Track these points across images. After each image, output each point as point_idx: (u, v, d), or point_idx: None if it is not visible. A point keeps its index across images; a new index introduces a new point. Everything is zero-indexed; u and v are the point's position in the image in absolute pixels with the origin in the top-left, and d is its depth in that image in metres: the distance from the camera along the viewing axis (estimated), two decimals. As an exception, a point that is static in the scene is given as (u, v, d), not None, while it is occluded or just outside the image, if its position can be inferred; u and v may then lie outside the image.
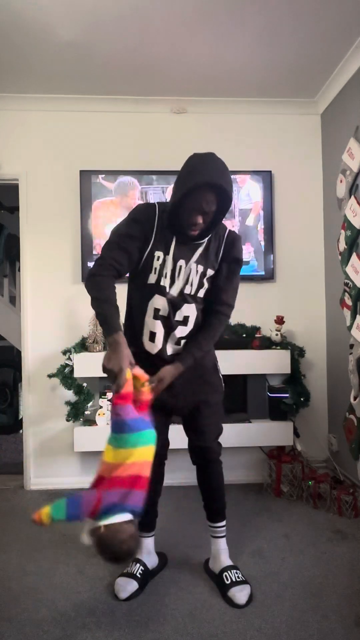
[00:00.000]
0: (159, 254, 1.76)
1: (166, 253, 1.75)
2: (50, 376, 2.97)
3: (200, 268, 1.78)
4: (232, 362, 2.93)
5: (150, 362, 1.78)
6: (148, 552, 2.01)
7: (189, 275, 1.77)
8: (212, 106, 3.23)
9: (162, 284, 1.76)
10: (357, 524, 2.49)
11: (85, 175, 3.12)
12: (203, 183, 1.60)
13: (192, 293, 1.79)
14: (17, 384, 5.00)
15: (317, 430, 3.26)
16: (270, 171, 3.22)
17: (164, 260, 1.76)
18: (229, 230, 1.86)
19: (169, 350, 1.81)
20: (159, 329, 1.79)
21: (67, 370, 2.94)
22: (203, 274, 1.79)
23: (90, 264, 3.11)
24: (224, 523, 1.99)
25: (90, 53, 2.68)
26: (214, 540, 1.99)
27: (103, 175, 3.13)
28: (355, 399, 2.63)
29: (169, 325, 1.79)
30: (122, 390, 1.57)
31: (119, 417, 1.59)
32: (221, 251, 1.81)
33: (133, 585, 1.89)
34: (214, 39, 2.56)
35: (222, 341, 3.00)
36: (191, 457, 1.97)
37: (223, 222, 1.83)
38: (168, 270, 1.75)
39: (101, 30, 2.48)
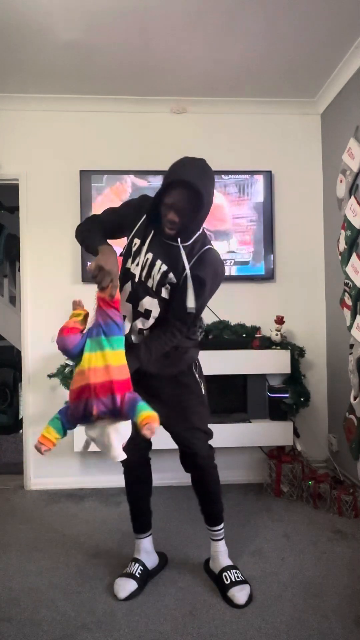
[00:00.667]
0: (137, 241, 1.81)
1: (142, 243, 1.79)
2: (50, 376, 2.97)
3: (164, 267, 1.75)
4: (232, 362, 2.93)
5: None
6: (147, 552, 2.01)
7: (153, 269, 1.77)
8: (212, 106, 3.23)
9: (132, 270, 1.81)
10: (357, 524, 2.49)
11: (85, 175, 3.12)
12: (178, 181, 1.63)
13: (154, 289, 1.78)
14: (17, 384, 5.00)
15: (317, 430, 3.26)
16: (270, 171, 3.22)
17: (139, 249, 1.79)
18: (207, 249, 1.79)
19: (134, 338, 1.80)
20: (127, 312, 1.80)
21: (67, 370, 2.94)
22: (165, 274, 1.76)
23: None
24: (221, 526, 1.98)
25: (90, 53, 2.68)
26: (212, 542, 2.00)
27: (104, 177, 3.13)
28: (355, 399, 2.63)
29: (134, 313, 1.79)
30: (117, 293, 1.60)
31: (112, 319, 1.61)
32: (189, 265, 1.73)
33: (132, 585, 1.89)
34: (214, 39, 2.56)
35: (222, 341, 3.02)
36: (182, 464, 1.95)
37: (211, 238, 1.83)
38: (141, 259, 1.78)
39: (101, 30, 2.48)
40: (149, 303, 1.78)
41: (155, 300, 1.78)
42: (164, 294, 1.78)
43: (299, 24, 2.44)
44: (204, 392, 1.92)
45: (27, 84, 3.01)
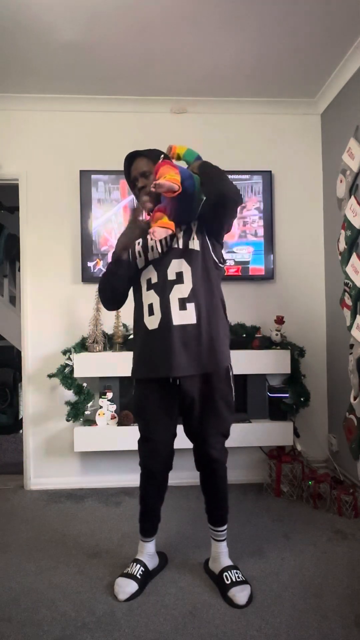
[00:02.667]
0: (137, 241, 1.87)
1: (143, 236, 1.84)
2: (50, 376, 2.97)
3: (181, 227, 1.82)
4: (232, 362, 2.93)
5: (158, 342, 1.75)
6: (149, 555, 2.02)
7: (169, 238, 1.82)
8: (212, 106, 3.23)
9: (141, 256, 1.86)
10: (357, 524, 2.49)
11: (85, 175, 3.12)
12: (127, 159, 1.92)
13: (181, 247, 1.78)
14: (17, 384, 5.01)
15: (317, 430, 3.26)
16: (270, 171, 3.22)
17: (141, 240, 1.85)
18: None
19: (176, 318, 1.73)
20: (153, 298, 1.78)
21: (67, 370, 2.95)
22: (188, 229, 1.82)
23: (91, 264, 3.12)
24: (225, 527, 1.99)
25: (90, 53, 2.68)
26: (214, 542, 2.00)
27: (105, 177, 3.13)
28: (355, 399, 2.63)
29: (164, 289, 1.76)
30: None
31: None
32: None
33: (132, 587, 1.89)
34: (214, 39, 2.56)
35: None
36: (195, 462, 1.95)
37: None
38: (147, 243, 1.86)
39: (101, 30, 2.48)
40: (177, 265, 1.77)
41: (182, 259, 1.77)
42: (196, 245, 1.79)
43: (299, 24, 2.44)
44: (233, 397, 1.91)
45: (27, 84, 3.01)
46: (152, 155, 1.87)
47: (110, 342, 3.05)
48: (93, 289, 3.02)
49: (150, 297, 1.79)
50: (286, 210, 3.29)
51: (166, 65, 2.81)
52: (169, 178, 1.61)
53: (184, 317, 1.74)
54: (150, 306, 1.79)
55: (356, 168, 2.62)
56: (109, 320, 3.03)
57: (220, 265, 1.88)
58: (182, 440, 1.97)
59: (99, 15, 2.36)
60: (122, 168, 3.12)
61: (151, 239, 1.83)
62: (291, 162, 3.29)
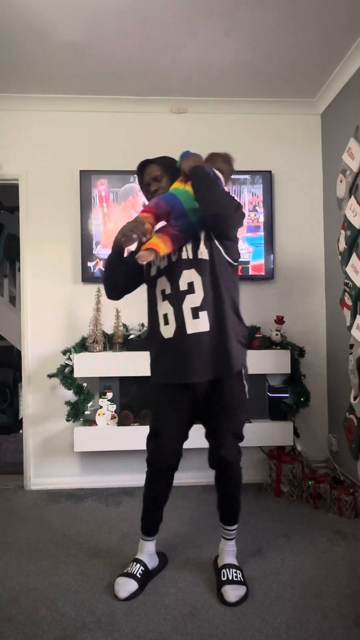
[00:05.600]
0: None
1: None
2: (50, 376, 2.97)
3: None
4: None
5: (174, 349, 1.82)
6: (149, 554, 2.02)
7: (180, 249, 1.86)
8: (212, 106, 3.23)
9: (155, 264, 1.91)
10: (357, 524, 2.49)
11: (85, 175, 3.12)
12: (140, 167, 2.02)
13: (190, 257, 1.84)
14: (17, 384, 5.01)
15: (317, 430, 3.26)
16: (270, 171, 3.22)
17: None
18: None
19: (190, 327, 1.80)
20: (168, 308, 1.85)
21: (67, 370, 2.94)
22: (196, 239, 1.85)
23: (91, 264, 3.12)
24: (234, 527, 2.00)
25: (90, 53, 2.68)
26: (223, 540, 2.02)
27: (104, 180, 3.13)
28: (355, 399, 2.63)
29: (177, 299, 1.82)
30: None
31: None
32: None
33: (133, 585, 1.89)
34: (213, 38, 2.56)
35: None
36: (209, 460, 1.96)
37: None
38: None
39: (101, 30, 2.48)
40: (187, 275, 1.83)
41: (192, 270, 1.82)
42: (205, 254, 1.83)
43: (298, 24, 2.44)
44: (247, 398, 1.93)
45: (27, 84, 3.01)
46: (163, 162, 1.98)
47: (110, 342, 3.05)
48: (93, 289, 3.02)
49: (165, 308, 1.86)
50: (286, 210, 3.29)
51: (166, 65, 2.81)
52: (145, 246, 1.78)
53: (197, 325, 1.81)
54: (165, 316, 1.86)
55: (356, 168, 2.62)
56: (109, 320, 3.04)
57: (234, 264, 1.92)
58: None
59: (99, 15, 2.36)
60: (122, 168, 3.20)
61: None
62: (291, 162, 3.29)
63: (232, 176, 2.16)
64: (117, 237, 1.83)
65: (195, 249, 1.84)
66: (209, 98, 3.19)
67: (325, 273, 3.29)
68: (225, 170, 2.00)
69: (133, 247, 1.93)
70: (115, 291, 2.01)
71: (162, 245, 1.78)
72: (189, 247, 1.85)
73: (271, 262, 3.20)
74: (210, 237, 1.84)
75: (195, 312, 1.80)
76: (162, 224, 1.88)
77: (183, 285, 1.82)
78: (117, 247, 1.87)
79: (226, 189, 2.02)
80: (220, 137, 3.20)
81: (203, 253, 1.83)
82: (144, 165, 2.01)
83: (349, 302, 2.72)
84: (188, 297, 1.81)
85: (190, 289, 1.81)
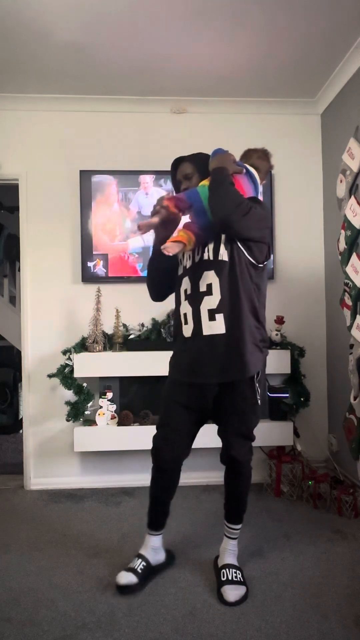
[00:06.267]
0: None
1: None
2: (50, 376, 2.97)
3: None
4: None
5: (191, 349, 1.85)
6: (153, 549, 2.02)
7: (203, 248, 1.88)
8: (212, 106, 3.23)
9: (182, 264, 1.94)
10: (357, 524, 2.49)
11: (85, 175, 3.12)
12: (172, 163, 2.03)
13: (211, 258, 1.84)
14: (17, 384, 5.01)
15: (317, 430, 3.26)
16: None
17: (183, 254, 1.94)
18: None
19: (206, 328, 1.82)
20: (187, 308, 1.88)
21: (67, 370, 2.95)
22: (217, 241, 1.86)
23: (91, 264, 3.12)
24: (239, 526, 2.00)
25: (90, 53, 2.68)
26: (225, 539, 2.02)
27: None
28: (355, 399, 2.63)
29: (196, 300, 1.84)
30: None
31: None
32: None
33: (131, 578, 1.91)
34: (213, 38, 2.56)
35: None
36: (220, 456, 1.97)
37: None
38: (185, 254, 1.94)
39: (101, 30, 2.48)
40: (207, 277, 1.84)
41: (212, 271, 1.83)
42: (225, 256, 1.83)
43: (299, 23, 2.44)
44: (259, 401, 1.92)
45: (27, 84, 3.01)
46: (196, 159, 1.98)
47: (110, 342, 3.05)
48: (93, 289, 3.02)
49: (185, 307, 1.89)
50: (286, 210, 3.28)
51: (166, 65, 2.81)
52: (172, 238, 1.81)
53: (213, 327, 1.82)
54: (185, 316, 1.89)
55: (356, 168, 2.62)
56: (109, 320, 3.04)
57: (259, 265, 1.89)
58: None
59: (99, 15, 2.36)
60: (122, 168, 3.20)
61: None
62: (291, 162, 3.29)
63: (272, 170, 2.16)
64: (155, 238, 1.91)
65: (217, 250, 1.84)
66: (209, 98, 3.20)
67: (325, 273, 3.29)
68: (260, 167, 1.99)
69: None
70: (155, 289, 2.05)
71: (188, 239, 1.80)
72: (211, 247, 1.86)
73: (271, 262, 3.20)
74: (231, 238, 1.83)
75: (211, 314, 1.81)
76: (185, 219, 1.90)
77: (202, 287, 1.84)
78: (154, 245, 1.92)
79: (261, 185, 2.02)
80: (220, 137, 3.19)
81: (223, 255, 1.83)
82: (178, 163, 2.01)
83: (349, 302, 2.72)
84: (206, 299, 1.83)
85: (209, 290, 1.83)
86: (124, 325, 3.06)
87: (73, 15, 2.36)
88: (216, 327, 1.81)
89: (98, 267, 3.12)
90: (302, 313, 3.27)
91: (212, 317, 1.81)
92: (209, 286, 1.82)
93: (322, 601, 1.83)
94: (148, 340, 3.02)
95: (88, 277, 3.13)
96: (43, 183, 3.18)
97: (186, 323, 1.88)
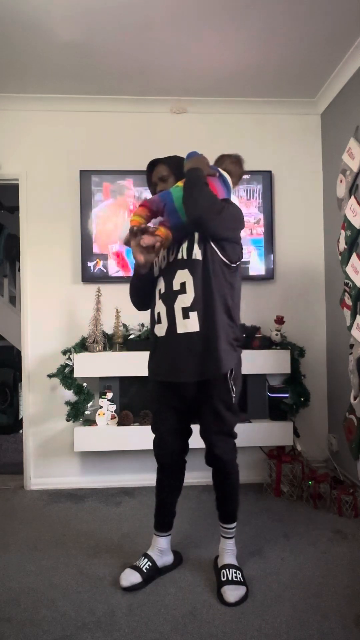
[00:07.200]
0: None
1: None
2: (50, 376, 2.97)
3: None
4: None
5: (164, 348, 1.87)
6: (160, 550, 2.03)
7: (176, 247, 1.89)
8: (212, 106, 3.23)
9: (157, 265, 1.95)
10: (357, 524, 2.49)
11: (85, 175, 3.12)
12: (148, 165, 2.05)
13: (185, 257, 1.86)
14: (17, 384, 5.00)
15: (317, 430, 3.26)
16: (270, 171, 3.22)
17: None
18: None
19: (180, 327, 1.83)
20: (161, 307, 1.88)
21: (67, 370, 2.94)
22: (191, 239, 1.87)
23: (91, 264, 3.12)
24: (233, 525, 2.00)
25: (90, 53, 2.68)
26: (222, 539, 2.02)
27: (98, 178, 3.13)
28: (355, 399, 2.63)
29: (170, 299, 1.85)
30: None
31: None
32: None
33: (136, 577, 1.92)
34: (214, 39, 2.56)
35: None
36: (205, 458, 1.97)
37: None
38: (159, 256, 1.95)
39: (101, 30, 2.48)
40: (181, 275, 1.85)
41: (186, 270, 1.84)
42: (198, 254, 1.84)
43: (299, 24, 2.44)
44: (234, 400, 1.91)
45: (27, 84, 3.01)
46: (171, 162, 2.00)
47: (110, 342, 3.05)
48: (93, 289, 3.02)
49: (159, 307, 1.90)
50: (286, 210, 3.28)
51: (166, 65, 2.81)
52: (134, 220, 1.86)
53: (187, 325, 1.82)
54: (159, 315, 1.90)
55: (356, 168, 2.62)
56: (109, 320, 3.04)
57: (232, 265, 1.89)
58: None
59: (99, 15, 2.36)
60: (122, 168, 3.20)
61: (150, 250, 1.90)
62: (291, 162, 3.29)
63: (244, 177, 2.16)
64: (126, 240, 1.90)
65: (190, 250, 1.86)
66: (209, 98, 3.19)
67: (325, 273, 3.29)
68: (233, 171, 2.00)
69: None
70: (141, 300, 2.06)
71: (166, 234, 1.82)
72: (185, 247, 1.87)
73: (271, 262, 3.20)
74: (205, 238, 1.85)
75: (185, 312, 1.82)
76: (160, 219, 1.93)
77: (176, 285, 1.85)
78: (137, 266, 1.91)
79: (234, 190, 2.05)
80: (220, 137, 3.20)
81: (197, 254, 1.85)
82: (153, 165, 2.04)
83: (349, 302, 2.72)
84: (180, 297, 1.83)
85: (182, 289, 1.83)
86: (124, 325, 3.06)
87: (73, 15, 2.36)
88: (190, 325, 1.82)
89: (98, 267, 3.13)
90: (302, 313, 3.27)
91: (186, 315, 1.82)
92: (183, 285, 1.83)
93: (322, 601, 1.83)
94: (148, 340, 3.01)
95: (88, 277, 3.13)
96: (43, 183, 3.18)
97: (159, 322, 1.89)
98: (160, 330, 1.88)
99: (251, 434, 2.96)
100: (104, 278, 3.12)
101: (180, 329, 1.82)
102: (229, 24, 2.44)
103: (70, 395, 3.00)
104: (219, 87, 3.07)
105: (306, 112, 3.30)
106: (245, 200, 3.19)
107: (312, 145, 3.31)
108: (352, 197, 2.66)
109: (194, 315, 1.81)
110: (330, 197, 3.14)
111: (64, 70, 2.85)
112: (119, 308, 2.99)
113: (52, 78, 2.94)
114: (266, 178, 3.20)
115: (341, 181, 2.80)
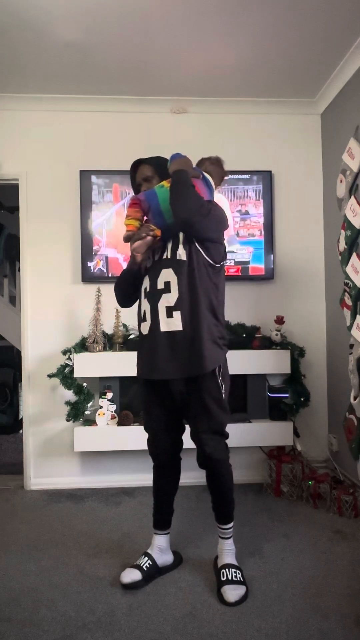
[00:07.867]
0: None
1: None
2: (50, 376, 2.97)
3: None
4: (232, 362, 2.91)
5: (148, 346, 1.89)
6: (160, 549, 2.04)
7: (163, 246, 1.92)
8: (212, 106, 3.23)
9: (144, 265, 1.97)
10: (357, 524, 2.49)
11: (85, 175, 3.12)
12: (132, 165, 2.05)
13: (169, 257, 1.88)
14: (17, 384, 5.00)
15: (317, 430, 3.26)
16: (270, 171, 3.22)
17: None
18: None
19: (163, 325, 1.85)
20: (146, 305, 1.91)
21: (67, 370, 2.94)
22: (176, 239, 1.90)
23: (91, 264, 3.12)
24: (230, 525, 2.00)
25: (90, 53, 2.68)
26: (220, 539, 2.02)
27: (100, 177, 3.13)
28: (355, 399, 2.63)
29: (154, 297, 1.88)
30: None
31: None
32: None
33: (136, 575, 1.93)
34: (214, 39, 2.56)
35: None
36: (197, 460, 1.96)
37: None
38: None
39: (101, 30, 2.48)
40: (165, 274, 1.87)
41: (170, 269, 1.86)
42: (183, 255, 1.86)
43: (299, 24, 2.44)
44: (224, 396, 1.93)
45: (27, 84, 3.01)
46: (155, 162, 2.01)
47: (110, 342, 3.05)
48: (93, 289, 3.02)
49: (144, 305, 1.93)
50: (286, 210, 3.28)
51: (166, 65, 2.81)
52: (128, 223, 1.92)
53: (170, 324, 1.85)
54: (144, 313, 1.92)
55: (356, 168, 2.62)
56: (109, 320, 3.04)
57: (216, 265, 1.92)
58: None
59: (99, 15, 2.36)
60: (122, 167, 3.18)
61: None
62: (291, 162, 3.29)
63: (226, 177, 2.16)
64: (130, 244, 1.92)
65: (175, 250, 1.88)
66: (209, 98, 3.19)
67: (325, 273, 3.29)
68: (213, 172, 2.02)
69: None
70: (126, 297, 2.11)
71: (157, 231, 1.87)
72: (169, 247, 1.90)
73: (271, 262, 3.20)
74: (189, 238, 1.87)
75: (169, 311, 1.84)
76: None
77: (160, 284, 1.87)
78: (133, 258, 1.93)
79: (217, 190, 2.07)
80: (220, 137, 3.21)
81: (181, 254, 1.87)
82: (137, 165, 2.05)
83: (349, 302, 2.72)
84: (164, 296, 1.86)
85: (167, 288, 1.86)
86: (124, 325, 3.06)
87: (73, 15, 2.36)
88: (173, 324, 1.84)
89: (98, 267, 3.13)
90: (302, 313, 3.27)
91: (169, 314, 1.84)
92: (167, 284, 1.85)
93: (322, 601, 1.83)
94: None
95: (88, 277, 3.13)
96: (43, 183, 3.18)
97: (144, 320, 1.92)
98: (145, 328, 1.91)
99: (251, 434, 2.96)
100: (104, 278, 3.12)
101: (163, 327, 1.85)
102: (229, 24, 2.44)
103: (70, 395, 3.00)
104: (219, 87, 3.07)
105: (306, 112, 3.30)
106: (254, 201, 3.19)
107: (312, 145, 3.31)
108: (352, 197, 2.66)
109: (177, 314, 1.84)
110: (330, 197, 3.14)
111: (64, 70, 2.85)
112: (118, 308, 2.99)
113: (52, 78, 2.94)
114: (266, 178, 3.20)
115: (341, 181, 2.80)
